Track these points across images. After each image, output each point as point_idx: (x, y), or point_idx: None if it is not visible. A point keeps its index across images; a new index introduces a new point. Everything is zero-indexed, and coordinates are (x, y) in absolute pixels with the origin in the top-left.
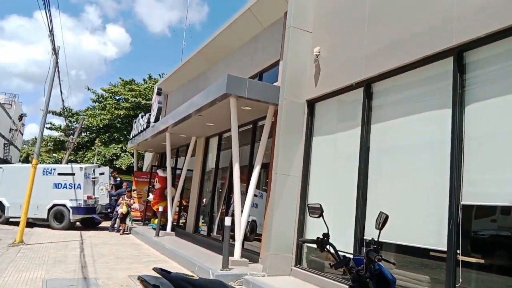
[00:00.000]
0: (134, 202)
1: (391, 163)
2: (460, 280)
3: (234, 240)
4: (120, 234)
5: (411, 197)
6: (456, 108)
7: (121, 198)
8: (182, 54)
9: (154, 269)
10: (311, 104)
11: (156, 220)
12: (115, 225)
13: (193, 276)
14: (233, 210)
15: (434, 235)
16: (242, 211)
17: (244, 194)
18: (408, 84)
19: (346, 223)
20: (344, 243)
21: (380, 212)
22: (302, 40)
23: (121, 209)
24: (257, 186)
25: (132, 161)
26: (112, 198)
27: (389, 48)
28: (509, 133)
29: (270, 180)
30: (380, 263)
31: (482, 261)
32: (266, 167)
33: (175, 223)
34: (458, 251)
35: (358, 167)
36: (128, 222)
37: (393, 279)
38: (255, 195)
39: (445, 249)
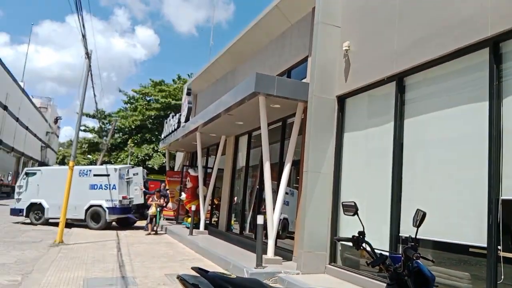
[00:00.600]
0: (164, 203)
1: (426, 158)
2: (502, 277)
3: (266, 238)
4: (146, 235)
5: (448, 192)
6: (493, 99)
7: (150, 199)
8: (210, 54)
9: (193, 268)
10: (341, 100)
11: (189, 219)
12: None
13: (230, 275)
14: (265, 208)
15: (473, 231)
16: (274, 209)
17: (275, 192)
18: (442, 77)
19: (381, 220)
20: (379, 241)
21: (417, 209)
22: (330, 35)
23: (150, 210)
24: (288, 184)
25: (164, 161)
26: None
27: (421, 41)
28: None
29: (301, 178)
30: (418, 260)
31: None
32: (297, 165)
33: (207, 222)
34: (499, 247)
35: (392, 163)
36: (159, 221)
37: (432, 276)
38: (286, 193)
39: (485, 245)
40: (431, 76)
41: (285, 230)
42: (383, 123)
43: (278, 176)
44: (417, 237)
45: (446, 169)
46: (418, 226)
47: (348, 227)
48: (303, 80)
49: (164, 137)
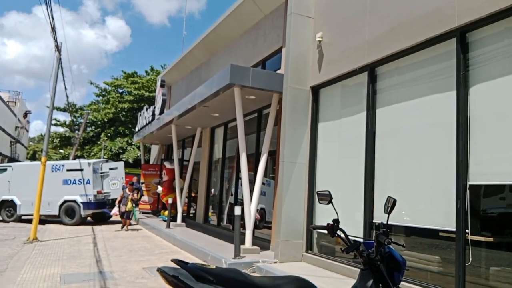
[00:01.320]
0: (137, 197)
1: (397, 146)
2: (470, 259)
3: (244, 228)
4: (121, 229)
5: (419, 179)
6: (460, 88)
7: (121, 193)
8: (183, 44)
9: (172, 260)
10: (315, 91)
11: (166, 212)
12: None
13: (209, 265)
14: (242, 199)
15: (442, 216)
16: (251, 199)
17: (252, 182)
18: (412, 66)
19: (355, 207)
20: (354, 228)
21: (388, 196)
22: (304, 26)
23: (127, 205)
24: (265, 174)
25: (138, 154)
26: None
27: (391, 32)
28: None
29: (277, 168)
30: (390, 246)
31: (491, 239)
32: (273, 155)
33: (185, 214)
34: (467, 231)
35: (365, 151)
36: (136, 216)
37: (403, 260)
38: (263, 183)
39: (454, 229)
40: (402, 65)
41: (263, 220)
42: (356, 113)
43: (254, 167)
44: (389, 223)
45: (417, 157)
46: (389, 213)
47: (324, 215)
48: (278, 71)
49: (138, 130)
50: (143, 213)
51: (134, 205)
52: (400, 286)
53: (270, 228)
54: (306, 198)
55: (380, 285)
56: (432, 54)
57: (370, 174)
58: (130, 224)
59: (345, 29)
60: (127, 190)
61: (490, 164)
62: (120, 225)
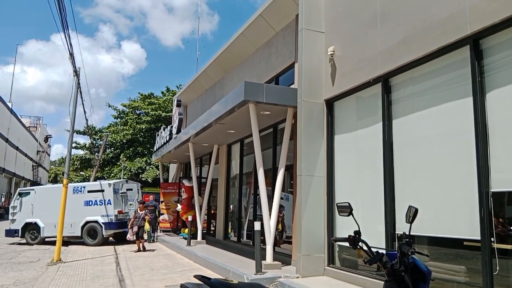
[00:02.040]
0: (149, 217)
1: (416, 156)
2: (498, 268)
3: (264, 244)
4: (136, 252)
5: (440, 188)
6: (476, 95)
7: (134, 213)
8: (197, 64)
9: (195, 276)
10: (329, 104)
11: (187, 230)
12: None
13: (232, 281)
14: (261, 215)
15: (466, 225)
16: (270, 215)
17: (270, 197)
18: (427, 76)
19: (376, 219)
20: (375, 239)
21: (409, 206)
22: (315, 41)
23: (144, 226)
24: (283, 189)
25: (157, 174)
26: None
27: (403, 42)
28: None
29: (295, 182)
30: (413, 256)
31: None
32: (290, 169)
33: (205, 231)
34: (492, 239)
35: (383, 162)
36: (154, 235)
37: (428, 271)
38: (281, 198)
39: (478, 238)
40: (416, 75)
41: (283, 235)
42: (372, 124)
43: (272, 182)
44: (412, 233)
45: (436, 166)
46: (411, 222)
47: (344, 227)
48: (291, 86)
49: (157, 150)
50: (163, 231)
51: (150, 225)
52: None
53: (290, 243)
54: (325, 211)
55: None
56: (446, 63)
57: (390, 184)
58: (143, 248)
59: (357, 41)
60: (138, 210)
61: (511, 170)
62: (136, 245)
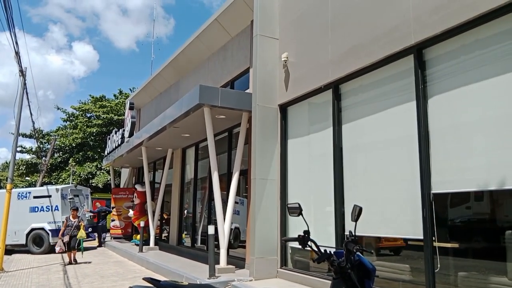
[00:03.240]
0: (82, 225)
1: (364, 160)
2: (439, 266)
3: (219, 248)
4: (66, 264)
5: (386, 190)
6: (419, 102)
7: (65, 221)
8: (152, 68)
9: (144, 278)
10: (283, 109)
11: (139, 236)
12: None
13: (182, 282)
14: (215, 219)
15: (410, 225)
16: (224, 218)
17: (225, 202)
18: (374, 84)
19: (327, 220)
20: (326, 240)
21: (354, 205)
22: (269, 47)
23: (78, 234)
24: (238, 193)
25: (108, 179)
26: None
27: (353, 51)
28: (470, 122)
29: (249, 186)
30: (359, 253)
31: (457, 246)
32: (245, 174)
33: (157, 237)
34: (434, 238)
35: (333, 166)
36: (82, 246)
37: (373, 268)
38: (236, 202)
39: (421, 237)
40: (364, 83)
41: (237, 239)
42: (323, 129)
43: (227, 186)
44: (361, 234)
45: (383, 169)
46: (356, 220)
47: (297, 230)
48: (246, 91)
49: (108, 154)
50: (114, 238)
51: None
52: None
53: (245, 247)
54: (278, 214)
55: None
56: (392, 71)
57: (339, 187)
58: (75, 260)
59: (309, 48)
60: (70, 217)
61: (450, 173)
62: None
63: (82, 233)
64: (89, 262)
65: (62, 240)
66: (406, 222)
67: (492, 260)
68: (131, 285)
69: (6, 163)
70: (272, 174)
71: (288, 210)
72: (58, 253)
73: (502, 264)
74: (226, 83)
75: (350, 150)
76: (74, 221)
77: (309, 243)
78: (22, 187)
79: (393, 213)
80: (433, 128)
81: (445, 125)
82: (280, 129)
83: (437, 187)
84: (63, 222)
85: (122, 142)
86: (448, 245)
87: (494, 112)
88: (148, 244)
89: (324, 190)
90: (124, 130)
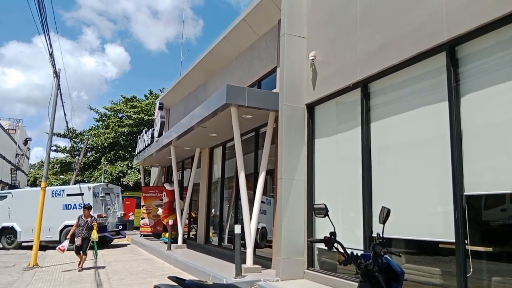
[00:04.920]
0: (95, 225)
1: (393, 160)
2: (471, 270)
3: (245, 248)
4: (79, 270)
5: (416, 192)
6: (452, 101)
7: (77, 220)
8: (180, 68)
9: (169, 277)
10: (310, 108)
11: (167, 234)
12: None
13: (207, 282)
14: (242, 218)
15: (441, 228)
16: (250, 218)
17: (251, 201)
18: (405, 82)
19: (354, 221)
20: (354, 241)
21: (382, 207)
22: (297, 46)
23: (92, 235)
24: (264, 193)
25: (139, 177)
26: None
27: (382, 48)
28: (505, 121)
29: (276, 186)
30: (387, 256)
31: (491, 249)
32: (272, 173)
33: (185, 236)
34: (466, 241)
35: (362, 166)
36: (97, 251)
37: (401, 271)
38: (262, 202)
39: (453, 240)
40: (394, 81)
41: (264, 239)
42: (351, 128)
43: (254, 185)
44: (390, 236)
45: (413, 169)
46: (384, 223)
47: (324, 230)
48: (273, 90)
49: (138, 153)
50: (144, 235)
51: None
52: None
53: (271, 247)
54: (305, 214)
55: None
56: (423, 69)
57: (368, 188)
58: (81, 268)
59: (337, 47)
60: (82, 216)
61: (484, 174)
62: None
63: (94, 235)
64: (103, 267)
65: (69, 240)
66: (437, 225)
67: None
68: (157, 283)
69: (42, 162)
70: (299, 174)
71: (314, 211)
72: (59, 250)
73: None
74: (253, 82)
75: (379, 150)
76: (87, 221)
77: (335, 244)
78: (57, 185)
79: (423, 215)
80: (466, 128)
81: (479, 125)
82: (307, 129)
83: (470, 189)
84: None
85: (152, 141)
86: (482, 248)
87: None
88: (177, 242)
89: (352, 190)
90: (153, 130)
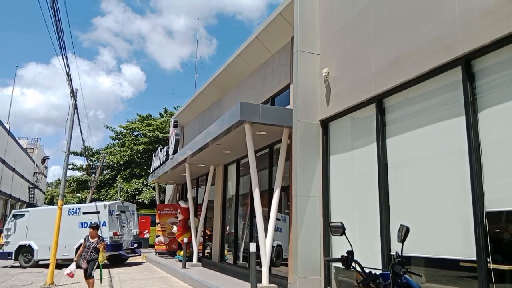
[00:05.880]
0: (102, 246)
1: (410, 176)
2: None
3: (261, 266)
4: None
5: (434, 208)
6: (469, 115)
7: (84, 241)
8: (195, 86)
9: None
10: (325, 124)
11: (182, 252)
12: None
13: None
14: (257, 236)
15: (461, 245)
16: (266, 236)
17: (266, 219)
18: (420, 96)
19: (372, 239)
20: (372, 260)
21: (401, 225)
22: (310, 63)
23: (99, 257)
24: (279, 210)
25: (154, 195)
26: None
27: (396, 63)
28: None
29: (291, 203)
30: (406, 276)
31: None
32: (287, 190)
33: (200, 254)
34: (488, 260)
35: (378, 183)
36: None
37: None
38: (277, 219)
39: (474, 258)
40: (410, 96)
41: (280, 257)
42: (367, 144)
43: (268, 202)
44: (408, 254)
45: (431, 186)
46: (403, 241)
47: (341, 249)
48: (287, 107)
49: (153, 171)
50: (159, 253)
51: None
52: None
53: (287, 265)
54: (321, 232)
55: None
56: (438, 83)
57: (385, 205)
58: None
59: (351, 62)
60: (89, 237)
61: (505, 189)
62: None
63: (102, 257)
64: None
65: (76, 263)
66: (457, 243)
67: None
68: None
69: (59, 180)
70: (314, 191)
71: (331, 229)
72: (68, 276)
73: None
74: (266, 99)
75: (395, 166)
76: (93, 242)
77: (353, 264)
78: (73, 203)
79: (443, 232)
80: (485, 143)
81: (498, 139)
82: (322, 145)
83: (491, 205)
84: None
85: (167, 159)
86: (505, 267)
87: None
88: (191, 261)
89: (369, 208)
90: (168, 148)
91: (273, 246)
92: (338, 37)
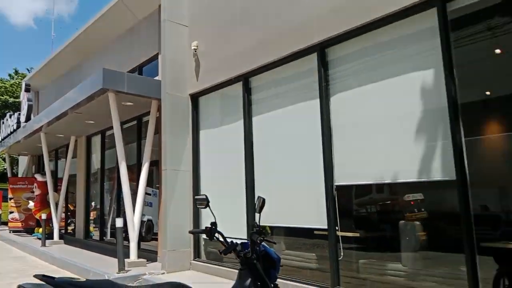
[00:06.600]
0: None
1: (273, 153)
2: (342, 254)
3: (129, 241)
4: None
5: (294, 183)
6: (323, 100)
7: None
8: (52, 47)
9: (36, 276)
10: (194, 98)
11: (41, 229)
12: None
13: (79, 279)
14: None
15: (316, 216)
16: (134, 211)
17: (135, 193)
18: (283, 79)
19: (239, 212)
20: (239, 231)
21: (258, 196)
22: (179, 34)
23: None
24: (151, 185)
25: (5, 167)
26: None
27: (261, 44)
28: (368, 121)
29: (160, 176)
30: (264, 244)
31: (358, 235)
32: (157, 164)
33: (63, 231)
34: (337, 228)
35: (244, 158)
36: None
37: (277, 258)
38: (148, 194)
39: (325, 227)
40: (274, 77)
41: (150, 231)
42: (235, 121)
43: (137, 177)
44: (270, 224)
45: (291, 162)
46: (260, 212)
47: (209, 221)
48: (156, 78)
49: (2, 139)
50: (14, 231)
51: None
52: (277, 282)
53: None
54: (191, 205)
55: (258, 283)
56: (298, 67)
57: (250, 179)
58: None
59: (219, 39)
60: None
61: (350, 166)
62: None
63: None
64: None
65: None
66: (313, 213)
67: (389, 248)
68: (21, 282)
69: None
70: (184, 165)
71: (196, 202)
72: None
73: (397, 252)
74: (133, 68)
75: (260, 144)
76: None
77: (216, 234)
78: None
79: (300, 204)
80: (335, 124)
81: (345, 122)
82: (192, 119)
83: (339, 180)
84: None
85: (19, 127)
86: (350, 234)
87: (390, 112)
88: (52, 238)
89: (237, 181)
90: (20, 114)
91: (143, 221)
92: (207, 12)
